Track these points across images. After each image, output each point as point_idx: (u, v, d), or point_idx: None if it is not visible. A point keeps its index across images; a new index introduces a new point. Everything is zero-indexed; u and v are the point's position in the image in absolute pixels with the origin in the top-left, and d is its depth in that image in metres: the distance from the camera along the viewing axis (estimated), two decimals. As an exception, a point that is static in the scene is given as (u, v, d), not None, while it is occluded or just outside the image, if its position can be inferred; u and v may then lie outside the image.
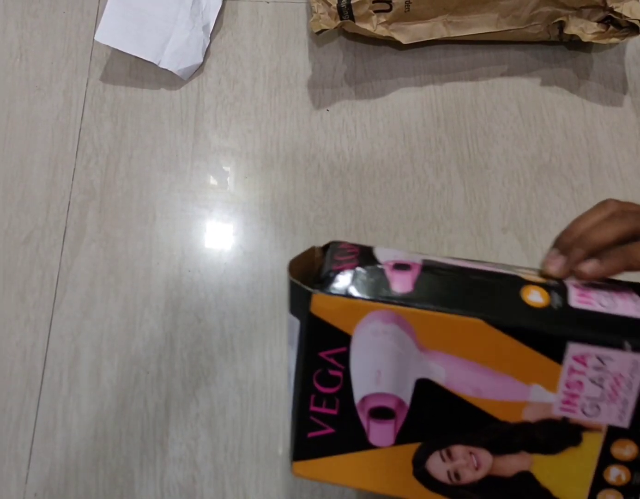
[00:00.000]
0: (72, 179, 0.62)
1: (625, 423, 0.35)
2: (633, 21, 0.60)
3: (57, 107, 0.65)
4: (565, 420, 0.35)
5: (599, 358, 0.34)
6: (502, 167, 0.63)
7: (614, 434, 0.35)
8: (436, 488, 0.36)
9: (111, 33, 0.66)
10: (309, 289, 0.35)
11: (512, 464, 0.36)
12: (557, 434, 0.35)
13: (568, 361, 0.34)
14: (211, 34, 0.68)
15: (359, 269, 0.37)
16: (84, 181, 0.62)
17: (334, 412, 0.36)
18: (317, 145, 0.64)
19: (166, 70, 0.66)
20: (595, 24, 0.63)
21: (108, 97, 0.66)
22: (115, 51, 0.66)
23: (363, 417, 0.36)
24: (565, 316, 0.35)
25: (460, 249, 0.60)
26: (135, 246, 0.60)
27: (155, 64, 0.66)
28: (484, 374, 0.35)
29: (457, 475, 0.36)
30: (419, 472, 0.36)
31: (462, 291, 0.36)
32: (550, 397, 0.35)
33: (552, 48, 0.68)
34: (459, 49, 0.68)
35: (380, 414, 0.36)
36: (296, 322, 0.36)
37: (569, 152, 0.64)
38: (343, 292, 0.35)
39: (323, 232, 0.60)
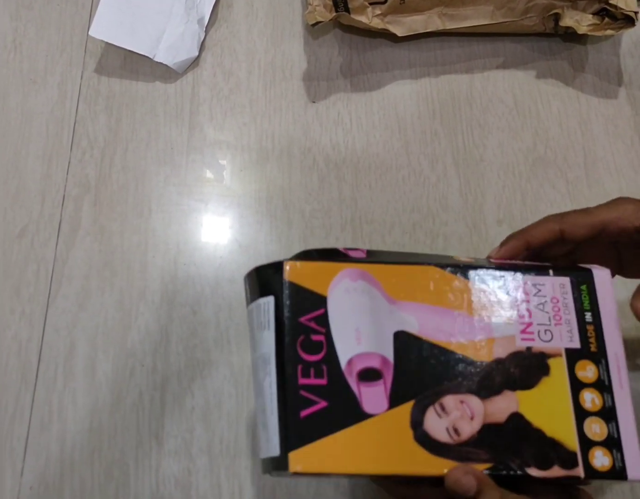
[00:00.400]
0: (67, 173, 0.62)
1: (576, 342, 0.39)
2: (628, 13, 0.60)
3: (51, 100, 0.65)
4: (529, 350, 0.38)
5: (534, 285, 0.39)
6: (497, 159, 0.63)
7: (572, 356, 0.38)
8: (441, 452, 0.36)
9: (106, 28, 0.65)
10: (280, 260, 0.37)
11: (501, 406, 0.37)
12: (528, 366, 0.38)
13: (511, 292, 0.39)
14: (206, 27, 0.68)
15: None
16: (79, 174, 0.62)
17: (323, 382, 0.36)
18: (312, 138, 0.63)
19: (161, 63, 0.65)
20: (591, 16, 0.62)
21: (103, 90, 0.65)
22: (110, 44, 0.66)
23: (353, 383, 0.36)
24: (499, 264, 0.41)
25: (455, 242, 0.59)
26: (130, 240, 0.59)
27: (150, 58, 0.65)
28: (450, 317, 0.38)
29: (456, 431, 0.36)
30: (420, 435, 0.36)
31: (409, 256, 0.42)
32: (510, 329, 0.38)
33: (548, 40, 0.68)
34: (455, 41, 0.68)
35: (369, 376, 0.36)
36: (268, 301, 0.37)
37: (564, 144, 0.63)
38: (311, 258, 0.38)
39: (318, 225, 0.60)
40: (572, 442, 0.37)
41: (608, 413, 0.37)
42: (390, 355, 0.37)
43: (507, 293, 0.39)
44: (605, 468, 0.36)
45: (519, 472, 0.36)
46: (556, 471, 0.36)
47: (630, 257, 0.45)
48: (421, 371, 0.37)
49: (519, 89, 0.66)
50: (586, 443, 0.37)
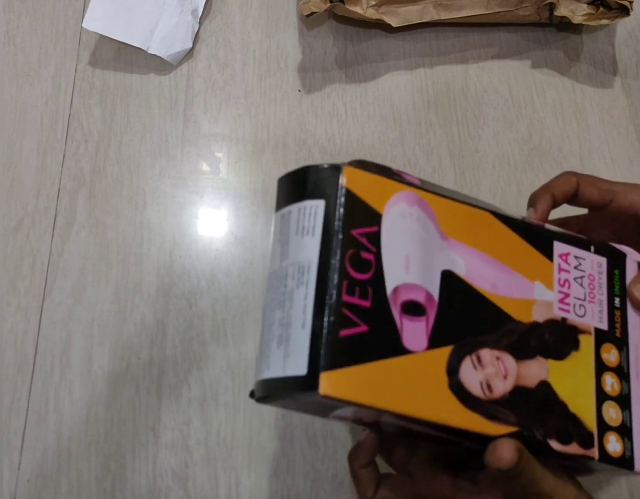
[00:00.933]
0: (62, 166, 0.61)
1: (604, 324, 0.38)
2: (623, 2, 0.59)
3: (45, 93, 0.64)
4: (564, 320, 0.37)
5: (576, 257, 0.39)
6: (493, 150, 0.62)
7: (600, 337, 0.38)
8: (472, 405, 0.34)
9: (99, 19, 0.64)
10: (339, 163, 0.34)
11: (533, 371, 0.36)
12: (561, 336, 0.37)
13: (556, 259, 0.38)
14: (200, 19, 0.67)
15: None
16: (74, 167, 0.61)
17: (367, 304, 0.33)
18: (307, 129, 0.63)
19: (155, 55, 0.64)
20: (586, 5, 0.62)
21: (97, 83, 0.64)
22: (104, 36, 0.65)
23: (396, 313, 0.33)
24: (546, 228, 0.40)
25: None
26: (126, 232, 0.58)
27: (144, 50, 0.64)
28: (497, 268, 0.37)
29: (489, 386, 0.35)
30: (454, 383, 0.34)
31: (464, 196, 0.38)
32: (549, 295, 0.37)
33: (543, 30, 0.67)
34: (450, 31, 0.67)
35: (412, 309, 0.34)
36: (317, 205, 0.34)
37: (559, 134, 0.63)
38: (370, 170, 0.35)
39: (314, 216, 0.59)
40: (591, 422, 0.36)
41: (624, 401, 0.37)
42: (435, 293, 0.35)
43: (552, 259, 0.38)
44: (617, 455, 0.36)
45: (542, 441, 0.35)
46: (574, 448, 0.35)
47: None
48: (463, 317, 0.35)
49: (514, 79, 0.65)
50: (603, 426, 0.36)
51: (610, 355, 0.38)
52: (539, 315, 0.37)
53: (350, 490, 0.50)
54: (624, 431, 0.36)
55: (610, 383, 0.37)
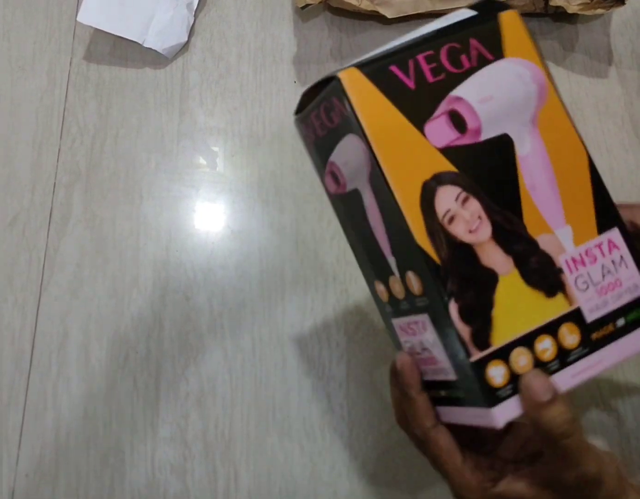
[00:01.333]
0: (57, 160, 0.60)
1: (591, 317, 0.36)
2: (619, -9, 0.58)
3: (40, 87, 0.63)
4: (559, 271, 0.35)
5: (621, 258, 0.36)
6: (489, 141, 0.61)
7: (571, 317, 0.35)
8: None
9: (94, 13, 0.63)
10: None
11: (499, 260, 0.35)
12: (544, 274, 0.35)
13: (604, 237, 0.36)
14: (195, 12, 0.66)
15: None
16: (70, 162, 0.60)
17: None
18: (303, 122, 0.62)
19: (150, 49, 0.63)
20: (581, -5, 0.61)
21: (92, 77, 0.64)
22: (99, 30, 0.64)
23: (444, 104, 0.35)
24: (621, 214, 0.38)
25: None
26: (122, 227, 0.58)
27: (139, 43, 0.63)
28: (550, 183, 0.36)
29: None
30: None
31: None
32: (570, 246, 0.35)
33: (537, 20, 0.66)
34: (445, 22, 0.66)
35: (457, 121, 0.35)
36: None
37: (555, 125, 0.62)
38: None
39: (311, 209, 0.58)
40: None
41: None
42: (484, 135, 0.35)
43: (600, 233, 0.36)
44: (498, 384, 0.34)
45: None
46: None
47: None
48: (490, 175, 0.35)
49: (510, 69, 0.64)
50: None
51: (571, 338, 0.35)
52: (544, 243, 0.35)
53: (348, 481, 0.50)
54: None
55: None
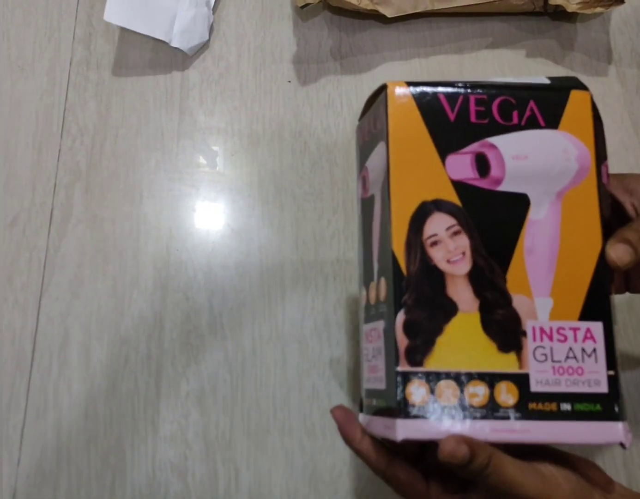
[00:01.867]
0: (58, 160, 0.59)
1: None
2: (618, -10, 0.58)
3: (40, 87, 0.62)
4: (524, 334, 0.34)
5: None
6: (488, 140, 0.61)
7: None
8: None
9: (120, 12, 0.61)
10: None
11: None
12: (505, 330, 0.34)
13: (582, 327, 0.35)
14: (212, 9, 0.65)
15: None
16: (70, 162, 0.59)
17: None
18: (303, 121, 0.61)
19: (149, 47, 0.63)
20: (580, -7, 0.60)
21: (92, 77, 0.63)
22: (98, 30, 0.63)
23: None
24: None
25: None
26: (122, 226, 0.57)
27: (166, 42, 0.62)
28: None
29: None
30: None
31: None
32: (542, 316, 0.34)
33: (536, 19, 0.65)
34: (444, 21, 0.65)
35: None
36: None
37: (555, 123, 0.61)
38: None
39: (310, 208, 0.58)
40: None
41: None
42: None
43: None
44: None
45: None
46: None
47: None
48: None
49: (509, 68, 0.64)
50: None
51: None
52: (518, 303, 0.34)
53: (349, 480, 0.49)
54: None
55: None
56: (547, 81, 0.38)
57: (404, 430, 0.32)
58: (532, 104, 0.36)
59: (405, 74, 0.63)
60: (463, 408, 0.33)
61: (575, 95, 0.37)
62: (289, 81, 0.62)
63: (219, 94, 0.62)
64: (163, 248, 0.56)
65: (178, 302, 0.54)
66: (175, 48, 0.63)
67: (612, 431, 0.33)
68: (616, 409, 0.33)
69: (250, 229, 0.57)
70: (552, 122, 0.36)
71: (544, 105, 0.36)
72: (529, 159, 0.35)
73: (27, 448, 0.50)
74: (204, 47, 0.64)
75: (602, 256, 0.35)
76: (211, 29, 0.64)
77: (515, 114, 0.36)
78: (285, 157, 0.60)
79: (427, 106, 0.36)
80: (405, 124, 0.36)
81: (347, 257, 0.56)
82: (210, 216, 0.58)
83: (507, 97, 0.36)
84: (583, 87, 0.37)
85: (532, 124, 0.36)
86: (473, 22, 0.65)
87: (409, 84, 0.36)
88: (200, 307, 0.54)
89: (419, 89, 0.36)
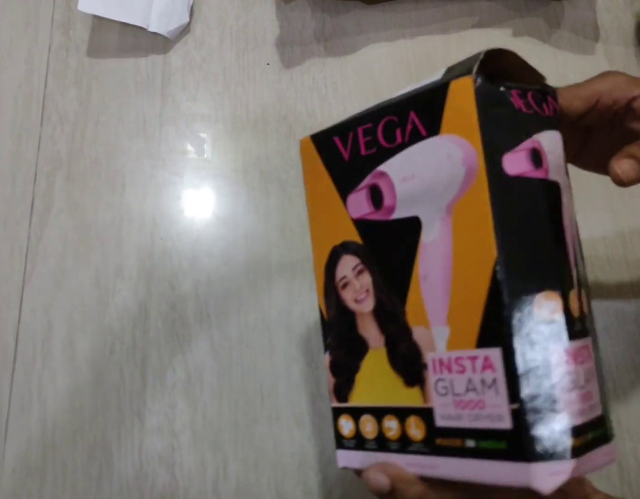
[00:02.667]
0: (38, 149, 0.57)
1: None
2: (605, -34, 0.56)
3: (18, 75, 0.60)
4: (426, 367, 0.32)
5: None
6: (475, 121, 0.59)
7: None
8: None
9: (94, 0, 0.59)
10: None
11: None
12: (409, 364, 0.33)
13: (480, 355, 0.30)
14: (176, -6, 0.63)
15: None
16: (50, 150, 0.57)
17: None
18: (287, 105, 0.59)
19: (130, 32, 0.60)
20: (567, -30, 0.58)
21: (71, 63, 0.61)
22: (77, 14, 0.61)
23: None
24: None
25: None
26: (105, 215, 0.55)
27: (144, 28, 0.60)
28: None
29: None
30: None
31: None
32: (440, 347, 0.31)
33: (523, -3, 0.64)
34: (429, 1, 0.63)
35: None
36: None
37: (542, 103, 0.60)
38: None
39: (297, 194, 0.56)
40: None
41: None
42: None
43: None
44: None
45: None
46: None
47: (598, 143, 0.40)
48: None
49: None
50: None
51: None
52: (418, 335, 0.32)
53: (338, 468, 0.48)
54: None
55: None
56: (439, 77, 0.33)
57: (342, 459, 0.35)
58: (412, 115, 0.32)
59: (391, 55, 0.61)
60: (382, 441, 0.33)
61: (454, 87, 0.31)
62: (268, 64, 0.60)
63: (201, 79, 0.60)
64: (147, 237, 0.55)
65: (163, 291, 0.53)
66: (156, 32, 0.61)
67: (519, 472, 0.28)
68: (525, 447, 0.28)
69: (235, 216, 0.55)
70: (433, 128, 0.31)
71: (423, 112, 0.32)
72: (416, 177, 0.32)
73: (11, 442, 0.49)
74: (185, 30, 0.62)
75: (497, 269, 0.29)
76: (192, 12, 0.62)
77: (398, 132, 0.32)
78: (270, 142, 0.58)
79: (327, 153, 0.36)
80: (314, 173, 0.37)
81: (333, 242, 0.54)
82: (194, 203, 0.56)
83: (390, 116, 0.33)
84: (467, 72, 0.30)
85: (415, 138, 0.32)
86: (459, 2, 0.63)
87: (312, 135, 0.37)
88: (186, 296, 0.53)
89: (319, 137, 0.36)
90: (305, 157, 0.37)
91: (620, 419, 0.49)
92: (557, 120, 0.33)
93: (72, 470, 0.48)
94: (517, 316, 0.29)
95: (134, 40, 0.61)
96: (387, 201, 0.33)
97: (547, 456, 0.28)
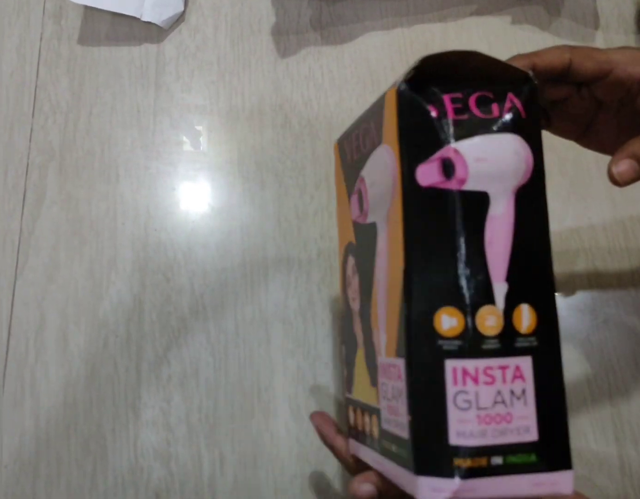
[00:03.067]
0: (30, 140, 0.56)
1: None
2: (605, -49, 0.55)
3: (10, 64, 0.59)
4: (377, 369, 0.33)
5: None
6: (474, 110, 0.58)
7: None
8: None
9: None
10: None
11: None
12: (371, 365, 0.34)
13: (399, 364, 0.30)
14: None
15: None
16: (42, 141, 0.56)
17: None
18: (283, 94, 0.58)
19: (123, 21, 0.59)
20: (566, -44, 0.57)
21: (64, 52, 0.59)
22: (69, 3, 0.60)
23: None
24: None
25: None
26: (98, 207, 0.54)
27: (137, 18, 0.59)
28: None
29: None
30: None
31: None
32: (381, 352, 0.31)
33: (522, -15, 0.62)
34: (427, -12, 0.62)
35: None
36: None
37: (541, 92, 0.59)
38: None
39: (293, 184, 0.55)
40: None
41: None
42: None
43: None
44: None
45: None
46: None
47: (606, 120, 0.39)
48: None
49: (494, 36, 0.61)
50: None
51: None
52: (375, 337, 0.32)
53: (336, 462, 0.47)
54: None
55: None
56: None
57: (350, 447, 0.36)
58: (371, 124, 0.32)
59: (388, 44, 0.60)
60: (365, 434, 0.34)
61: (387, 96, 0.30)
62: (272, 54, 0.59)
63: (196, 68, 0.59)
64: (141, 228, 0.54)
65: (158, 283, 0.52)
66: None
67: (411, 482, 0.28)
68: (415, 459, 0.27)
69: (231, 207, 0.54)
70: (380, 137, 0.31)
71: (376, 120, 0.31)
72: (376, 184, 0.32)
73: (4, 437, 0.48)
74: (179, 19, 0.61)
75: (404, 279, 0.28)
76: (187, 0, 0.61)
77: (368, 139, 0.33)
78: (266, 132, 0.57)
79: (342, 153, 0.37)
80: (337, 174, 0.38)
81: (330, 233, 0.53)
82: (189, 194, 0.55)
83: (366, 124, 0.33)
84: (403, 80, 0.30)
85: (372, 147, 0.32)
86: (457, -11, 0.62)
87: (339, 141, 0.38)
88: (181, 288, 0.52)
89: (341, 136, 0.37)
90: (335, 158, 0.39)
91: (620, 412, 0.48)
92: (513, 121, 0.30)
93: (66, 465, 0.47)
94: (415, 330, 0.28)
95: (127, 29, 0.60)
96: (365, 205, 0.35)
97: (431, 471, 0.27)
